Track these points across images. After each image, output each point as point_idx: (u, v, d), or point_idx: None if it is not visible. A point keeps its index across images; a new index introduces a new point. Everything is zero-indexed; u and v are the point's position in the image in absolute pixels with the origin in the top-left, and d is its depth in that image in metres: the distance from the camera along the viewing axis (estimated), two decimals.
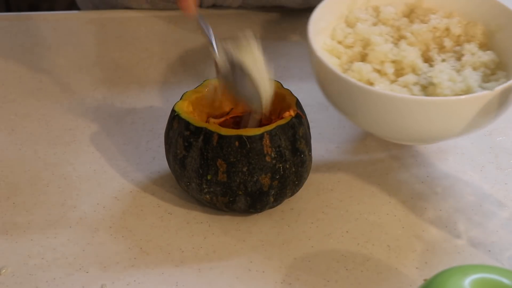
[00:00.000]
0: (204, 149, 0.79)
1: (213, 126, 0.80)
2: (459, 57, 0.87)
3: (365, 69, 0.84)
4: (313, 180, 0.87)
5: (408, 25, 0.89)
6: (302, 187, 0.85)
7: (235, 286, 0.78)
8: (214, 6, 1.12)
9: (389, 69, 0.85)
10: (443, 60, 0.86)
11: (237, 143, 0.79)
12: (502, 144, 0.93)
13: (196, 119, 0.82)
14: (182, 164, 0.81)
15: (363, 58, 0.87)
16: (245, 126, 0.82)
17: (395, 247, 0.81)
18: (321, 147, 0.92)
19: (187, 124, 0.81)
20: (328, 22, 0.89)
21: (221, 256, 0.81)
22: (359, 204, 0.86)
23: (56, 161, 0.90)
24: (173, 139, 0.82)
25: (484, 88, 0.82)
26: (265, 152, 0.79)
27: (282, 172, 0.80)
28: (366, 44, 0.87)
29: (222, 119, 0.86)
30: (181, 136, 0.81)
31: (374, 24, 0.89)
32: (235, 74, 0.81)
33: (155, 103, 0.98)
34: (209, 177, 0.80)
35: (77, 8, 1.22)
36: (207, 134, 0.79)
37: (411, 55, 0.85)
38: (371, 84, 0.83)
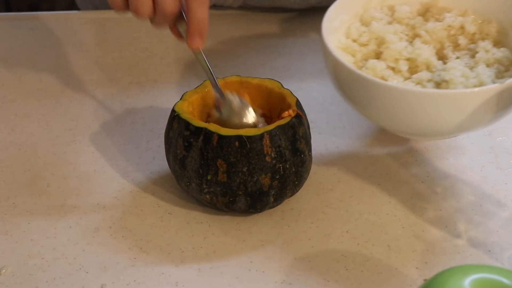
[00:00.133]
0: (204, 149, 0.79)
1: (213, 126, 0.80)
2: (473, 54, 0.87)
3: (379, 66, 0.85)
4: (313, 180, 0.87)
5: (423, 23, 0.90)
6: (302, 187, 0.85)
7: (235, 286, 0.78)
8: (214, 6, 1.12)
9: (403, 66, 0.85)
10: (457, 58, 0.87)
11: (237, 143, 0.79)
12: (502, 144, 0.93)
13: (196, 119, 0.82)
14: (182, 164, 0.81)
15: (378, 56, 0.88)
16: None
17: (395, 247, 0.81)
18: (321, 147, 0.92)
19: (187, 124, 0.81)
20: (342, 21, 0.90)
21: (221, 256, 0.81)
22: (359, 204, 0.86)
23: (56, 161, 0.90)
24: (173, 139, 0.82)
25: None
26: (265, 152, 0.79)
27: (282, 172, 0.80)
28: (381, 42, 0.88)
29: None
30: (181, 136, 0.81)
31: (389, 23, 0.91)
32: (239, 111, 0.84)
33: (155, 103, 0.98)
34: (209, 177, 0.80)
35: (77, 8, 1.22)
36: (207, 134, 0.79)
37: (426, 53, 0.86)
38: (385, 80, 0.84)
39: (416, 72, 0.86)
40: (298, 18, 1.12)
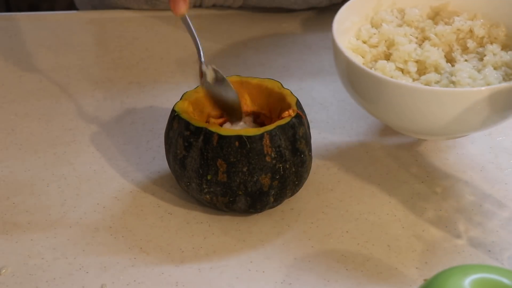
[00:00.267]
0: (204, 149, 0.79)
1: (213, 126, 0.80)
2: (481, 57, 0.89)
3: (388, 67, 0.86)
4: (313, 180, 0.87)
5: (432, 26, 0.91)
6: (302, 187, 0.85)
7: (235, 286, 0.78)
8: (214, 6, 1.12)
9: (412, 68, 0.87)
10: (466, 61, 0.88)
11: (237, 143, 0.79)
12: (502, 144, 0.93)
13: (196, 119, 0.82)
14: (182, 164, 0.81)
15: (387, 57, 0.89)
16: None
17: (395, 247, 0.81)
18: (321, 147, 0.92)
19: (187, 124, 0.81)
20: (353, 22, 0.91)
21: (221, 256, 0.81)
22: (359, 204, 0.86)
23: (56, 161, 0.90)
24: (173, 139, 0.82)
25: None
26: (265, 152, 0.79)
27: (282, 172, 0.80)
28: (391, 44, 0.89)
29: (222, 119, 0.86)
30: (181, 136, 0.81)
31: (399, 26, 0.92)
32: (218, 84, 0.84)
33: (155, 103, 0.98)
34: (209, 177, 0.80)
35: (77, 9, 1.22)
36: (207, 134, 0.79)
37: (435, 55, 0.87)
38: None
39: (424, 73, 0.87)
40: (298, 18, 1.12)
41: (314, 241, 0.82)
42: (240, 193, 0.80)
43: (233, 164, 0.79)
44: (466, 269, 0.66)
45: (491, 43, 0.90)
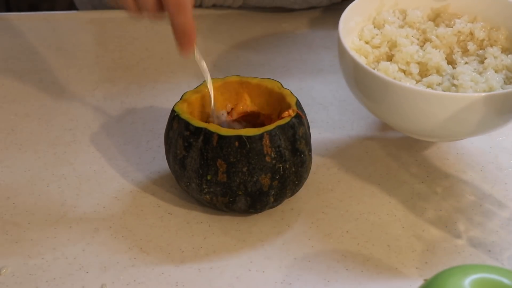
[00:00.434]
0: (204, 149, 0.79)
1: (213, 126, 0.80)
2: (482, 60, 0.89)
3: (391, 68, 0.87)
4: (313, 180, 0.87)
5: (434, 28, 0.92)
6: (302, 187, 0.85)
7: (235, 286, 0.78)
8: (214, 6, 1.12)
9: (414, 69, 0.87)
10: (466, 63, 0.89)
11: (237, 143, 0.79)
12: (502, 144, 0.93)
13: (196, 120, 0.82)
14: (182, 165, 0.81)
15: (389, 58, 0.90)
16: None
17: (395, 247, 0.81)
18: (321, 147, 0.92)
19: (187, 125, 0.81)
20: (356, 23, 0.92)
21: (221, 256, 0.81)
22: (359, 204, 0.86)
23: (56, 161, 0.90)
24: (173, 139, 0.82)
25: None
26: (265, 152, 0.79)
27: (282, 172, 0.80)
28: (393, 45, 0.90)
29: (222, 119, 0.86)
30: (181, 136, 0.81)
31: (401, 27, 0.92)
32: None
33: (155, 103, 0.98)
34: (209, 177, 0.80)
35: (77, 9, 1.22)
36: (207, 134, 0.79)
37: (436, 57, 0.87)
38: None
39: (426, 75, 0.87)
40: (298, 18, 1.12)
41: (314, 241, 0.82)
42: (240, 193, 0.80)
43: (233, 164, 0.79)
44: (466, 269, 0.66)
45: (491, 46, 0.91)
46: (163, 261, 0.80)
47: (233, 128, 0.85)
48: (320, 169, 0.89)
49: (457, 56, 0.89)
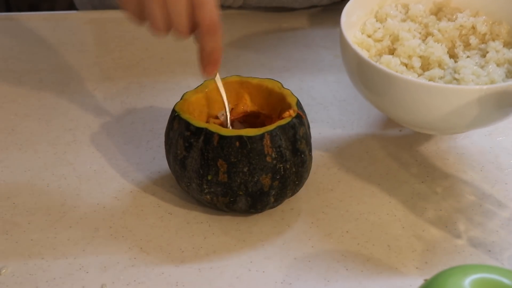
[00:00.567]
0: (204, 149, 0.79)
1: (214, 126, 0.80)
2: (483, 54, 0.90)
3: (393, 62, 0.87)
4: (313, 180, 0.87)
5: (436, 22, 0.93)
6: (302, 187, 0.85)
7: (235, 286, 0.78)
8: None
9: (416, 63, 0.87)
10: (468, 57, 0.89)
11: (237, 144, 0.79)
12: (502, 144, 0.93)
13: (197, 120, 0.82)
14: (182, 165, 0.81)
15: (391, 52, 0.90)
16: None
17: (395, 247, 0.81)
18: (321, 147, 0.92)
19: (187, 125, 0.81)
20: (358, 17, 0.92)
21: (221, 256, 0.81)
22: (359, 204, 0.86)
23: (56, 161, 0.90)
24: (174, 139, 0.82)
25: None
26: (266, 152, 0.79)
27: (282, 172, 0.80)
28: (395, 39, 0.90)
29: (222, 120, 0.86)
30: (182, 136, 0.81)
31: (403, 21, 0.93)
32: None
33: (155, 103, 0.98)
34: (209, 178, 0.80)
35: (77, 9, 1.22)
36: (208, 134, 0.79)
37: (438, 51, 0.88)
38: None
39: (428, 69, 0.88)
40: (299, 17, 1.12)
41: (314, 241, 0.82)
42: (240, 193, 0.80)
43: (233, 164, 0.79)
44: (466, 269, 0.66)
45: (493, 40, 0.91)
46: (163, 261, 0.80)
47: (234, 128, 0.85)
48: (320, 169, 0.89)
49: (459, 50, 0.90)
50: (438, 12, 0.95)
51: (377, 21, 0.93)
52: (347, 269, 0.79)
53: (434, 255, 0.81)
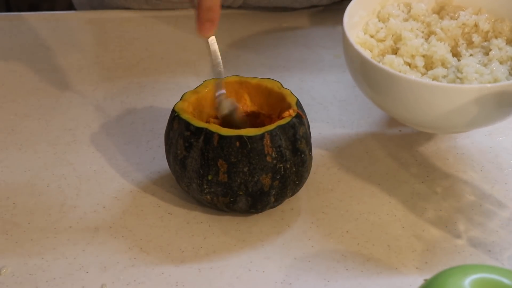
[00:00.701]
0: (204, 149, 0.79)
1: (214, 126, 0.80)
2: (486, 52, 0.90)
3: (396, 61, 0.87)
4: (313, 180, 0.87)
5: (438, 21, 0.93)
6: (302, 187, 0.85)
7: (235, 286, 0.78)
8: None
9: (420, 62, 0.88)
10: (471, 55, 0.89)
11: (237, 143, 0.79)
12: (502, 144, 0.93)
13: (197, 120, 0.82)
14: (182, 165, 0.81)
15: (394, 52, 0.90)
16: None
17: (395, 247, 0.81)
18: (321, 147, 0.92)
19: (187, 125, 0.81)
20: (360, 17, 0.92)
21: (221, 256, 0.81)
22: (359, 204, 0.86)
23: (56, 161, 0.90)
24: (174, 139, 0.82)
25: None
26: (266, 152, 0.79)
27: (282, 172, 0.80)
28: (398, 38, 0.90)
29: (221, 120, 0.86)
30: (182, 136, 0.81)
31: (405, 20, 0.93)
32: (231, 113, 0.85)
33: (155, 103, 0.98)
34: (209, 178, 0.80)
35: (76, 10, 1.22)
36: (208, 134, 0.79)
37: (442, 50, 0.88)
38: None
39: (431, 68, 0.88)
40: (299, 17, 1.12)
41: (314, 241, 0.82)
42: (241, 193, 0.80)
43: (234, 164, 0.79)
44: (466, 269, 0.66)
45: (496, 38, 0.91)
46: (163, 261, 0.80)
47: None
48: (320, 169, 0.89)
49: (462, 49, 0.90)
50: (440, 11, 0.95)
51: (379, 21, 0.93)
52: (347, 269, 0.79)
53: (434, 255, 0.81)
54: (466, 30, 0.92)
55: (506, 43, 0.90)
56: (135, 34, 1.09)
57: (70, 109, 0.97)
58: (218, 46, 1.07)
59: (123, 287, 0.78)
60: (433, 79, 0.86)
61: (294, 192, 0.83)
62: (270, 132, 0.79)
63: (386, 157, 0.91)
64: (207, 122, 0.85)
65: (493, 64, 0.86)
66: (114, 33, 1.09)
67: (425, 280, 0.68)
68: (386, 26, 0.91)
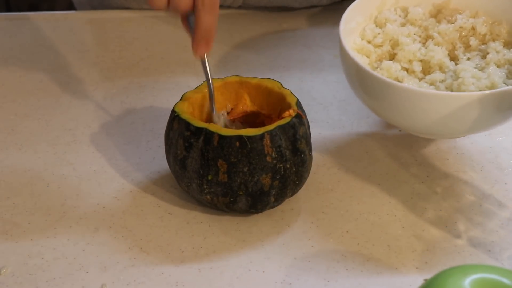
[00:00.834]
0: (204, 149, 0.79)
1: (214, 126, 0.80)
2: (484, 55, 0.89)
3: (394, 67, 0.87)
4: (313, 180, 0.87)
5: (435, 25, 0.92)
6: (302, 187, 0.85)
7: (235, 286, 0.78)
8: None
9: (417, 67, 0.87)
10: (468, 59, 0.89)
11: (237, 143, 0.79)
12: (502, 144, 0.93)
13: (197, 120, 0.82)
14: (182, 165, 0.81)
15: (392, 57, 0.90)
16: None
17: (395, 247, 0.81)
18: (321, 147, 0.92)
19: (187, 125, 0.81)
20: (357, 23, 0.92)
21: (221, 256, 0.81)
22: (359, 204, 0.86)
23: (56, 161, 0.90)
24: (174, 139, 0.82)
25: (508, 85, 0.83)
26: (266, 152, 0.79)
27: (282, 172, 0.80)
28: (395, 44, 0.90)
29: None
30: (182, 136, 0.81)
31: (402, 25, 0.92)
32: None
33: (155, 103, 0.98)
34: (209, 178, 0.80)
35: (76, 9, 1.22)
36: (208, 134, 0.79)
37: (439, 54, 0.88)
38: (400, 81, 0.86)
39: (429, 72, 0.87)
40: (299, 17, 1.12)
41: (314, 241, 0.82)
42: (240, 193, 0.80)
43: (233, 164, 0.79)
44: (466, 269, 0.66)
45: (494, 40, 0.91)
46: (163, 261, 0.80)
47: (233, 128, 0.85)
48: (320, 169, 0.89)
49: (460, 52, 0.90)
50: (437, 14, 0.94)
51: (376, 26, 0.92)
52: (347, 269, 0.79)
53: (434, 255, 0.81)
54: (463, 33, 0.91)
55: (504, 46, 0.90)
56: (135, 34, 1.09)
57: (70, 109, 0.97)
58: (218, 46, 1.07)
59: (123, 287, 0.78)
60: (431, 84, 0.85)
61: (294, 192, 0.83)
62: (270, 132, 0.79)
63: (386, 157, 0.91)
64: (207, 122, 0.85)
65: (490, 68, 0.86)
66: (114, 33, 1.09)
67: (425, 280, 0.68)
68: (383, 31, 0.91)
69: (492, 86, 0.84)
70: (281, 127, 0.80)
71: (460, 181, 0.88)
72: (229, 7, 1.12)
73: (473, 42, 0.90)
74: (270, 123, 0.83)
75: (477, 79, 0.84)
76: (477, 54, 0.89)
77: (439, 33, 0.90)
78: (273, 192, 0.81)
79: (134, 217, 0.84)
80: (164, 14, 1.11)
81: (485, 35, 0.91)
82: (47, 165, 0.90)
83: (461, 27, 0.91)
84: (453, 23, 0.91)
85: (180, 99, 0.84)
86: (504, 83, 0.85)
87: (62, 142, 0.93)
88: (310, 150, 0.83)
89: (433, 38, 0.90)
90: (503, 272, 0.66)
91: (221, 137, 0.79)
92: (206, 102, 0.86)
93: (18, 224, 0.83)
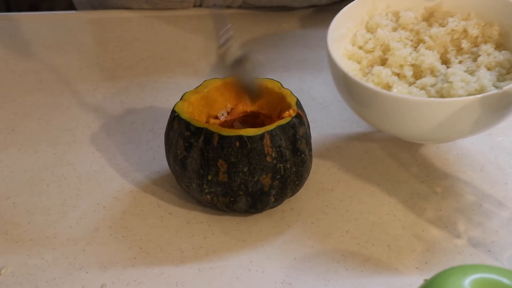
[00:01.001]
0: (204, 149, 0.79)
1: (214, 126, 0.80)
2: (475, 58, 0.88)
3: (384, 73, 0.86)
4: (313, 180, 0.87)
5: (427, 29, 0.91)
6: (302, 187, 0.85)
7: (235, 286, 0.78)
8: (214, 6, 1.12)
9: (408, 72, 0.87)
10: (460, 62, 0.88)
11: (237, 143, 0.79)
12: (502, 144, 0.93)
13: (197, 120, 0.82)
14: (182, 165, 0.81)
15: (383, 62, 0.89)
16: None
17: (395, 247, 0.81)
18: (321, 147, 0.92)
19: (187, 125, 0.81)
20: (348, 29, 0.91)
21: (221, 256, 0.81)
22: (359, 204, 0.86)
23: (56, 161, 0.90)
24: (174, 139, 0.82)
25: (498, 87, 0.83)
26: (266, 152, 0.79)
27: (282, 172, 0.80)
28: (386, 49, 0.89)
29: (222, 120, 0.86)
30: (182, 136, 0.81)
31: (394, 29, 0.92)
32: (241, 66, 0.81)
33: (155, 103, 0.98)
34: (209, 178, 0.80)
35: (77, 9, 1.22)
36: (208, 134, 0.79)
37: (430, 58, 0.87)
38: (390, 87, 0.85)
39: (421, 76, 0.87)
40: (298, 17, 1.12)
41: (314, 241, 0.82)
42: (241, 193, 0.80)
43: (233, 164, 0.79)
44: (466, 269, 0.66)
45: (485, 43, 0.90)
46: (163, 261, 0.80)
47: (233, 128, 0.85)
48: (320, 169, 0.89)
49: (451, 55, 0.89)
50: (429, 17, 0.93)
51: (367, 31, 0.92)
52: (347, 269, 0.79)
53: (434, 255, 0.81)
54: (455, 36, 0.90)
55: (495, 48, 0.89)
56: (135, 34, 1.09)
57: (70, 109, 0.97)
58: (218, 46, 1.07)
59: (123, 287, 0.78)
60: (421, 88, 0.85)
61: (294, 192, 0.83)
62: (270, 132, 0.79)
63: (386, 157, 0.91)
64: (207, 122, 0.85)
65: (480, 71, 0.85)
66: (114, 33, 1.09)
67: (425, 280, 0.68)
68: (374, 36, 0.90)
69: (481, 90, 0.83)
70: (281, 127, 0.80)
71: (460, 181, 0.88)
72: (229, 7, 1.12)
73: (465, 44, 0.89)
74: (270, 123, 0.83)
75: (466, 83, 0.83)
76: (468, 57, 0.88)
77: (430, 36, 0.90)
78: (273, 192, 0.81)
79: (134, 217, 0.84)
80: (164, 14, 1.11)
81: (477, 37, 0.90)
82: (47, 165, 0.90)
83: (452, 30, 0.90)
84: (445, 27, 0.91)
85: (180, 99, 0.84)
86: (494, 86, 0.84)
87: (62, 142, 0.93)
88: (310, 150, 0.83)
89: (424, 42, 0.90)
90: (503, 272, 0.66)
91: (221, 137, 0.79)
92: (207, 102, 0.86)
93: (18, 224, 0.83)
